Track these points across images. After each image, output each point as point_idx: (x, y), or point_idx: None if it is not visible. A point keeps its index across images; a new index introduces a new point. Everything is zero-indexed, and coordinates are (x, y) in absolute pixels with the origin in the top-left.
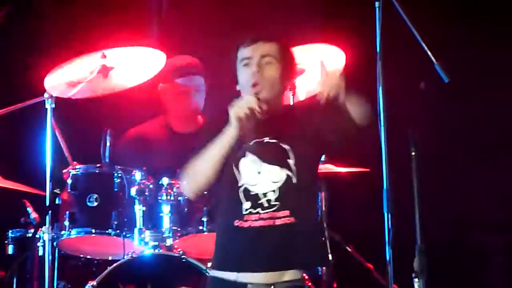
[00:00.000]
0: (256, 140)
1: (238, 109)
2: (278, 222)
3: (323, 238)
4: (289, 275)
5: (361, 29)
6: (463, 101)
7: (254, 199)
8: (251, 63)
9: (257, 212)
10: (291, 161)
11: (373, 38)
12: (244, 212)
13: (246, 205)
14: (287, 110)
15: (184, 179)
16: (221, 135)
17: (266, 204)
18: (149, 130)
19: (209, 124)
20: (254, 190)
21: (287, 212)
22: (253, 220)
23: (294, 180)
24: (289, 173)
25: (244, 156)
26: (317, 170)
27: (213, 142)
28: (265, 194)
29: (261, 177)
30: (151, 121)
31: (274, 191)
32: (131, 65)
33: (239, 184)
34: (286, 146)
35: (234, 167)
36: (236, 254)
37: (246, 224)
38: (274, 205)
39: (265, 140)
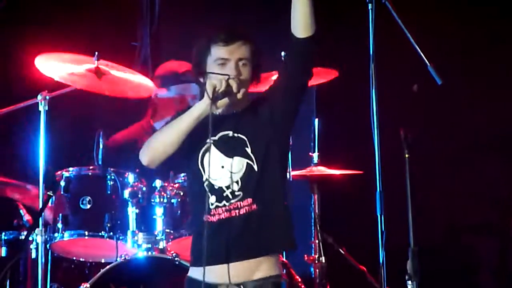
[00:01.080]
0: (221, 133)
1: (215, 81)
2: (242, 211)
3: (290, 223)
4: (260, 272)
5: (353, 33)
6: (455, 104)
7: (219, 192)
8: (228, 65)
9: (224, 205)
10: (248, 149)
11: (366, 40)
12: (211, 207)
13: (212, 199)
14: (247, 105)
15: (144, 147)
16: (191, 108)
17: (230, 196)
18: (135, 135)
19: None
20: (217, 184)
21: (250, 200)
22: (220, 214)
23: (255, 168)
24: (249, 162)
25: (207, 151)
26: (281, 153)
27: (180, 116)
28: (228, 187)
29: (224, 171)
30: (134, 126)
31: (237, 182)
32: (122, 80)
33: (204, 179)
34: (242, 136)
35: (199, 163)
36: (208, 249)
37: (214, 218)
38: (238, 195)
39: (227, 134)
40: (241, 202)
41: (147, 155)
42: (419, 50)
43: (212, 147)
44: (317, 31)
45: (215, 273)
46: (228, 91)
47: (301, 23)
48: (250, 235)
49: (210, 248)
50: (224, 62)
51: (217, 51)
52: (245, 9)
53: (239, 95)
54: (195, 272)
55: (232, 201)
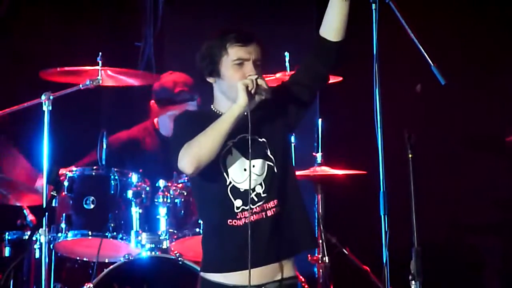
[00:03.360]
0: (239, 136)
1: (247, 81)
2: (269, 213)
3: (310, 221)
4: (282, 273)
5: (357, 33)
6: (459, 104)
7: (244, 196)
8: (246, 66)
9: (250, 208)
10: (268, 151)
11: (370, 40)
12: (236, 210)
13: (237, 202)
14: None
15: (185, 155)
16: (226, 112)
17: (256, 199)
18: (138, 135)
19: None
20: (242, 187)
21: (275, 201)
22: (246, 217)
23: (275, 169)
24: (270, 163)
25: (229, 153)
26: (291, 155)
27: (218, 119)
28: (253, 189)
29: (247, 173)
30: (138, 127)
31: (260, 184)
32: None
33: (227, 183)
34: (262, 140)
35: (220, 165)
36: (235, 253)
37: (240, 222)
38: (263, 198)
39: (245, 137)
40: (267, 204)
41: (193, 164)
42: (422, 50)
43: (233, 150)
44: (345, 37)
45: (236, 276)
46: (260, 89)
47: (336, 26)
48: (278, 237)
49: (237, 253)
50: (242, 62)
51: (237, 51)
52: (249, 9)
53: (268, 93)
54: (217, 276)
55: (259, 203)
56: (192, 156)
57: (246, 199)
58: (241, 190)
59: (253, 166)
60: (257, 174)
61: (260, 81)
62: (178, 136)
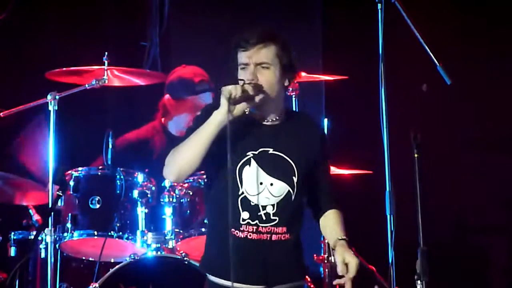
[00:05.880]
0: (262, 149)
1: (230, 87)
2: (274, 237)
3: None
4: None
5: (363, 32)
6: (465, 103)
7: (253, 210)
8: (247, 70)
9: (256, 224)
10: (295, 178)
11: (375, 40)
12: (241, 222)
13: (244, 214)
14: (290, 117)
15: (168, 164)
16: (209, 118)
17: (264, 218)
18: (147, 134)
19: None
20: (254, 200)
21: (284, 229)
22: (250, 232)
23: (293, 197)
24: (291, 190)
25: (248, 164)
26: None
27: (199, 128)
28: (264, 207)
29: (262, 189)
30: (146, 126)
31: (273, 205)
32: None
33: (239, 192)
34: (292, 162)
35: (237, 174)
36: (232, 264)
37: (242, 234)
38: (273, 220)
39: (270, 151)
40: (275, 228)
41: (173, 173)
42: (428, 50)
43: (252, 161)
44: None
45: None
46: (245, 96)
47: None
48: (279, 263)
49: (238, 265)
50: (244, 67)
51: (239, 56)
52: (255, 10)
53: (257, 99)
54: (218, 280)
55: (266, 224)
56: (174, 166)
57: (255, 214)
58: (252, 203)
59: (271, 184)
60: (272, 195)
61: (246, 87)
62: (186, 133)
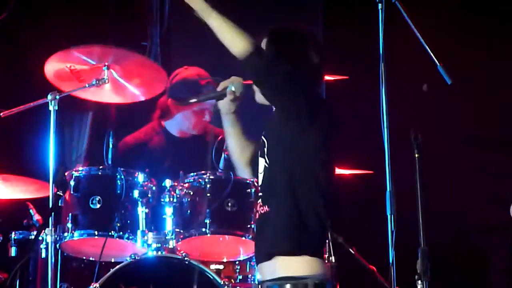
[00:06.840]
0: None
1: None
2: (260, 211)
3: (299, 224)
4: (263, 275)
5: (363, 32)
6: (465, 103)
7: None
8: None
9: (258, 202)
10: (265, 150)
11: (376, 40)
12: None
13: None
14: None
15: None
16: None
17: (260, 194)
18: (145, 137)
19: None
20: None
21: (260, 203)
22: (257, 211)
23: (269, 171)
24: (265, 163)
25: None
26: (285, 152)
27: None
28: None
29: (261, 168)
30: (145, 128)
31: (260, 182)
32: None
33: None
34: (264, 138)
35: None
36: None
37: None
38: (259, 197)
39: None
40: (260, 203)
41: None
42: (429, 50)
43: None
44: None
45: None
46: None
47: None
48: (261, 238)
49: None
50: None
51: None
52: (256, 10)
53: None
54: None
55: (259, 201)
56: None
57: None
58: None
59: (260, 164)
60: (259, 172)
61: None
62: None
